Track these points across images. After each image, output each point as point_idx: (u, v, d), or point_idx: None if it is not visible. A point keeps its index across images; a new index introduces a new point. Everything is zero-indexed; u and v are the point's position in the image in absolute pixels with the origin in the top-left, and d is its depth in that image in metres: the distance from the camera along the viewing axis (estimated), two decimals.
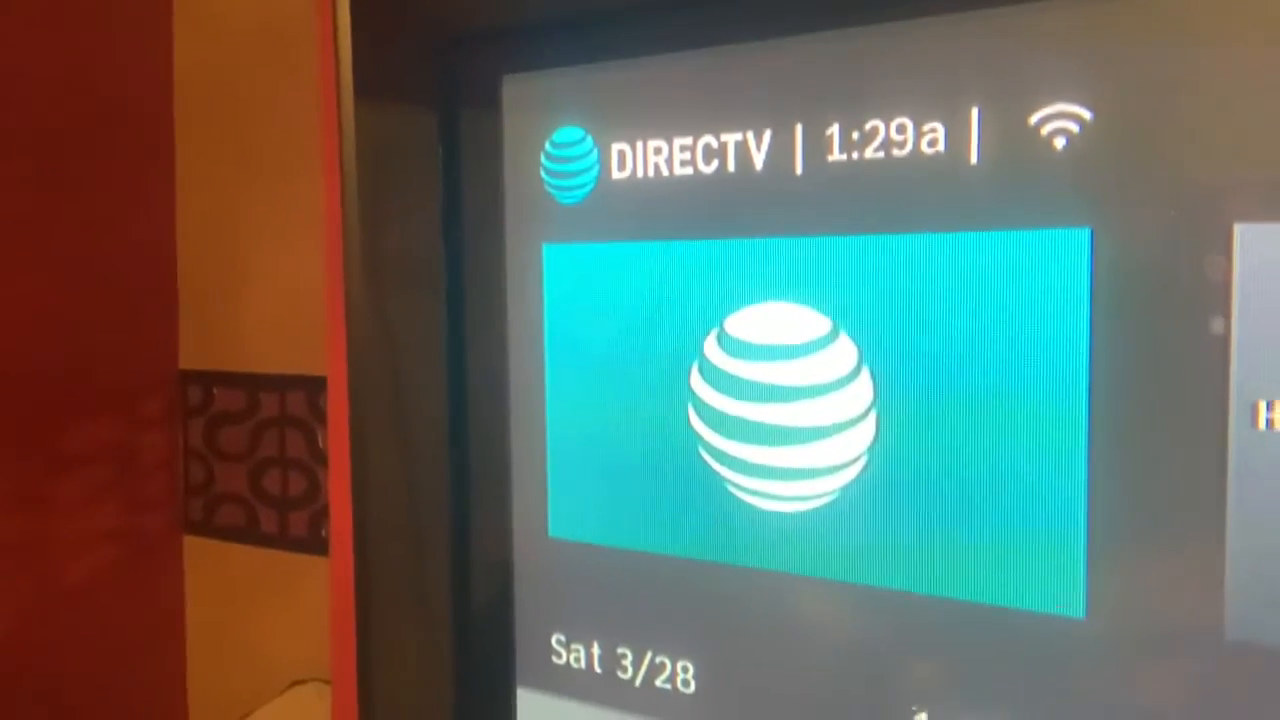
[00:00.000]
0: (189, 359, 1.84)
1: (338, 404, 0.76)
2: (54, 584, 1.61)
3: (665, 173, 0.55)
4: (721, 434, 0.55)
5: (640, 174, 0.56)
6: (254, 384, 1.72)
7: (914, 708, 0.51)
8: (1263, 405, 0.43)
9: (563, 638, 0.62)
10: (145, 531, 1.78)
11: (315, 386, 1.59)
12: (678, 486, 0.57)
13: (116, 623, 1.72)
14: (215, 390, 1.79)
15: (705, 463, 0.56)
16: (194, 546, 1.82)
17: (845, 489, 0.52)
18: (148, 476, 1.78)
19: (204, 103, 1.60)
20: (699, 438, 0.56)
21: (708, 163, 0.54)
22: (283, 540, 1.69)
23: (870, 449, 0.51)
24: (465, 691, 0.66)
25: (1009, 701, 0.49)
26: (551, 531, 0.62)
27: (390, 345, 0.68)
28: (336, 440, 0.78)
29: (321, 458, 1.61)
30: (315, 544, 1.63)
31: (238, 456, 1.76)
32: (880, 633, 0.52)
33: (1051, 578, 0.48)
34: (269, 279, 1.66)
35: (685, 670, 0.57)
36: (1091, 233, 0.46)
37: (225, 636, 1.79)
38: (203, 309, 1.78)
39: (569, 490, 0.61)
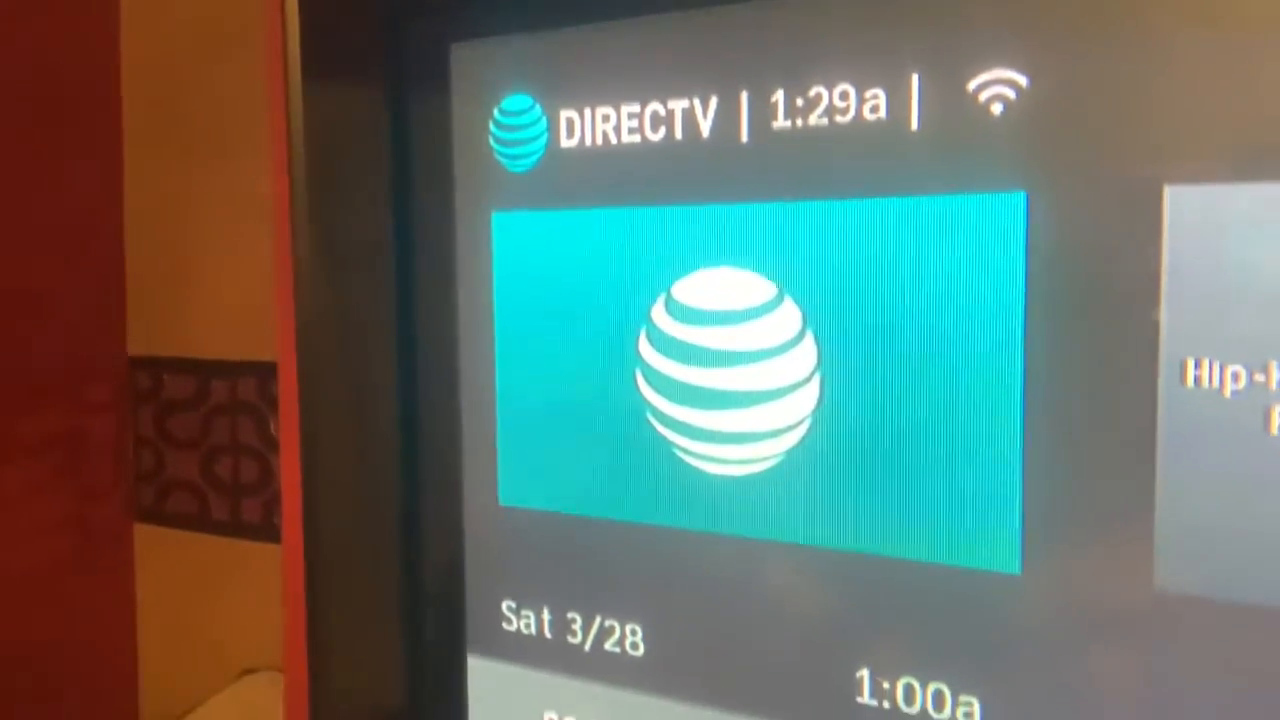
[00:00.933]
0: (138, 345, 1.81)
1: (289, 388, 0.75)
2: (2, 573, 1.58)
3: (613, 140, 0.56)
4: (669, 399, 0.56)
5: (589, 142, 0.57)
6: (204, 370, 1.70)
7: (855, 664, 0.52)
8: (1191, 363, 0.44)
9: (513, 604, 0.62)
10: (95, 520, 1.76)
11: (266, 372, 1.58)
12: (626, 452, 0.57)
13: (66, 611, 1.70)
14: (165, 377, 1.77)
15: (653, 428, 0.56)
16: (145, 534, 1.79)
17: (790, 452, 0.53)
18: (97, 464, 1.76)
19: (151, 86, 1.58)
20: (647, 403, 0.57)
21: (655, 130, 0.55)
22: (235, 528, 1.68)
23: (814, 412, 0.52)
24: (416, 663, 0.66)
25: (948, 656, 0.50)
26: (502, 499, 0.62)
27: (340, 317, 0.68)
28: (288, 423, 0.78)
29: (274, 444, 1.60)
30: (268, 531, 1.61)
31: (188, 443, 1.75)
32: (822, 592, 0.53)
33: (988, 535, 0.49)
34: (218, 264, 1.64)
35: (634, 633, 0.58)
36: (1027, 196, 0.47)
37: (177, 625, 1.77)
38: (152, 295, 1.76)
39: (519, 458, 0.61)
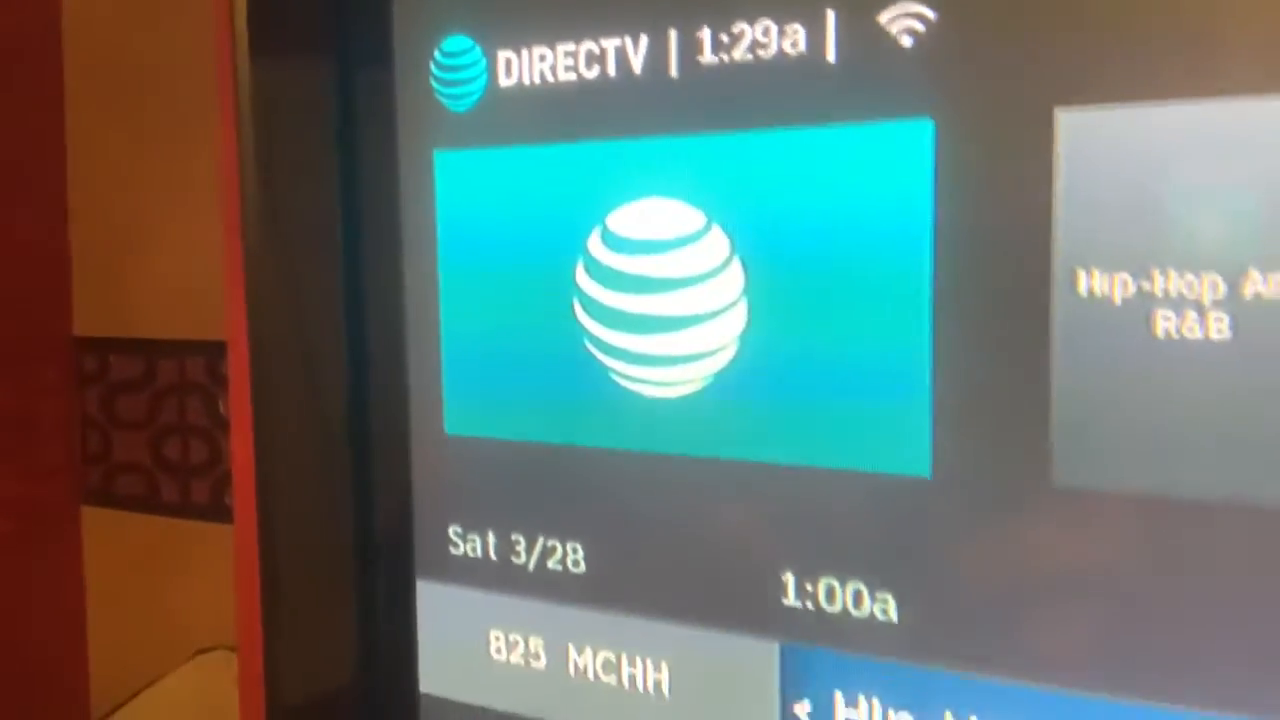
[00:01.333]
0: (84, 325, 1.79)
1: (239, 362, 0.77)
2: None
3: (550, 79, 0.59)
4: (605, 325, 0.59)
5: (526, 80, 0.60)
6: (151, 350, 1.70)
7: (781, 569, 0.55)
8: (1082, 274, 0.48)
9: (459, 529, 0.65)
10: (42, 503, 1.75)
11: (214, 352, 1.57)
12: (565, 378, 0.60)
13: (13, 596, 1.68)
14: (111, 357, 1.76)
15: (590, 354, 0.59)
16: (93, 517, 1.78)
17: (719, 373, 0.56)
18: (43, 446, 1.74)
19: (94, 59, 1.57)
20: (584, 330, 0.59)
21: (589, 68, 0.58)
22: (184, 509, 1.68)
23: (741, 334, 0.56)
24: (367, 594, 0.68)
25: (866, 558, 0.54)
26: (448, 429, 0.65)
27: (289, 275, 0.70)
28: (238, 398, 0.79)
29: (223, 424, 1.60)
30: (218, 512, 1.61)
31: (136, 424, 1.74)
32: (751, 503, 0.56)
33: (901, 443, 0.52)
34: (164, 242, 1.63)
35: (575, 551, 0.61)
36: (934, 123, 0.50)
37: (127, 607, 1.76)
38: (97, 274, 1.75)
39: (464, 389, 0.64)
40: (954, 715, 0.51)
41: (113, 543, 1.76)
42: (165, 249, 1.62)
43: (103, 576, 1.76)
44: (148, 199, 1.64)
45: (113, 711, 1.58)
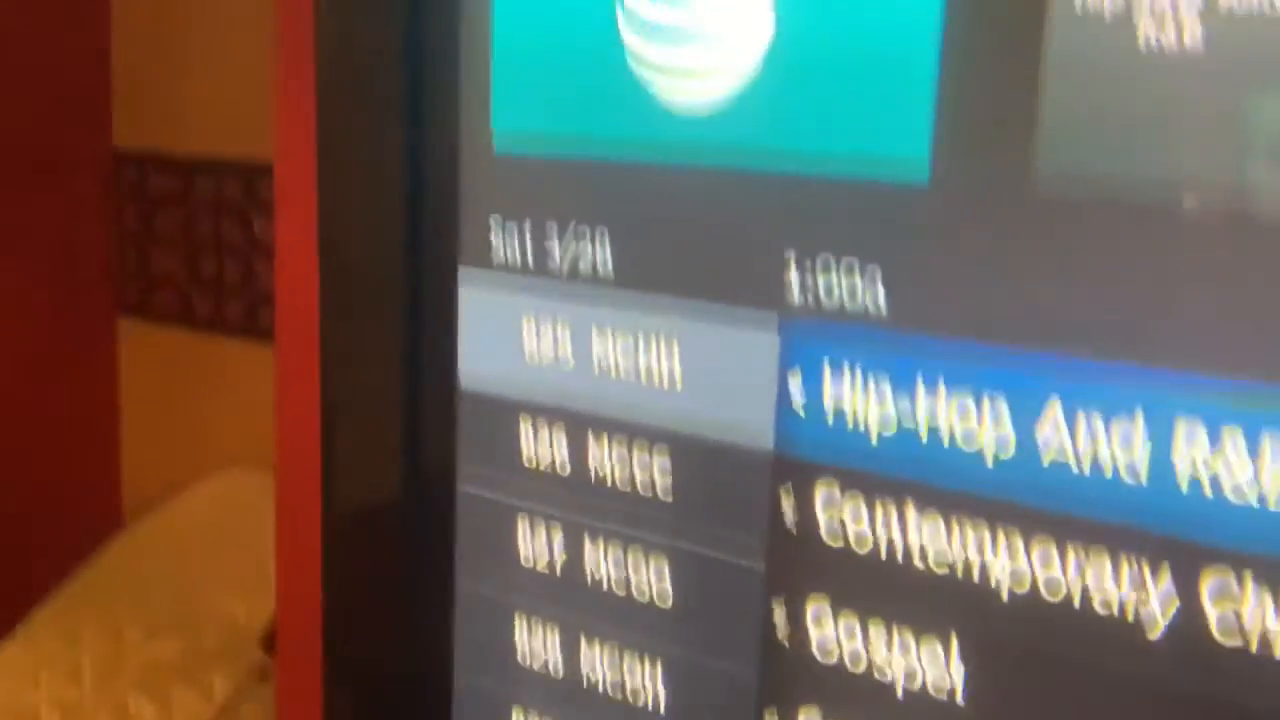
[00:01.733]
0: (123, 137, 1.84)
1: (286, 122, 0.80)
2: None
3: None
4: (645, 38, 0.64)
5: None
6: (189, 168, 1.74)
7: (784, 265, 0.62)
8: None
9: (499, 238, 0.72)
10: (80, 312, 1.81)
11: (252, 173, 1.62)
12: (607, 94, 0.66)
13: (51, 403, 1.77)
14: (150, 172, 1.81)
15: (631, 69, 0.66)
16: (128, 329, 1.85)
17: (747, 84, 0.62)
18: (82, 257, 1.80)
19: None
20: (626, 48, 0.65)
21: None
22: (218, 325, 1.74)
23: (769, 44, 0.62)
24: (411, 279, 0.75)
25: (862, 254, 0.60)
26: (497, 150, 0.72)
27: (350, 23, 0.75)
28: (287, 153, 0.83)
29: (258, 245, 1.65)
30: (251, 330, 1.68)
31: (172, 241, 1.80)
32: (764, 208, 0.63)
33: (904, 152, 0.58)
34: (206, 56, 1.67)
35: (603, 251, 0.68)
36: None
37: (159, 419, 1.84)
38: (138, 86, 1.79)
39: (511, 109, 0.71)
40: (924, 377, 0.58)
41: (147, 356, 1.84)
42: (207, 63, 1.65)
43: (137, 387, 1.84)
44: (191, 11, 1.67)
45: (141, 520, 1.66)
